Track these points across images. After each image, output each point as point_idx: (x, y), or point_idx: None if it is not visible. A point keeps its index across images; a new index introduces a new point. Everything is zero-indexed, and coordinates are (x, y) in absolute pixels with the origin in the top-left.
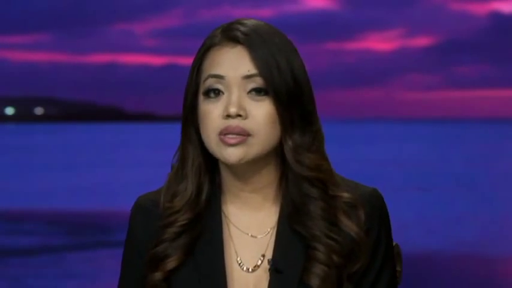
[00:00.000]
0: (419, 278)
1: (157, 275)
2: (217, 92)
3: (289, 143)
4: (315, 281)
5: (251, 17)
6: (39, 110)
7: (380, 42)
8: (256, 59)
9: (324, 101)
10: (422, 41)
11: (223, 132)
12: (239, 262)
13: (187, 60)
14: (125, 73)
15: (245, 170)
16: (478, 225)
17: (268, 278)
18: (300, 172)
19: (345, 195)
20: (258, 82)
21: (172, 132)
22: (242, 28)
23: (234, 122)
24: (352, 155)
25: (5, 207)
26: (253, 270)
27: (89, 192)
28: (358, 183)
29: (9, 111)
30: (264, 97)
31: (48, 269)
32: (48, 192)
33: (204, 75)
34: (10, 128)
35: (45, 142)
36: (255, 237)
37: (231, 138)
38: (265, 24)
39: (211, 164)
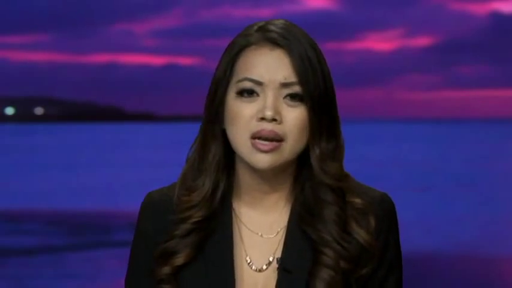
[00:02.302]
0: (419, 278)
1: (166, 269)
2: (251, 92)
3: (317, 150)
4: (320, 285)
5: (280, 18)
6: (39, 110)
7: (380, 42)
8: (295, 65)
9: None
10: (422, 41)
11: (256, 136)
12: (248, 261)
13: (187, 60)
14: (125, 73)
15: (267, 173)
16: (478, 225)
17: (276, 278)
18: (323, 180)
19: (357, 201)
20: (295, 89)
21: (172, 132)
22: (280, 30)
23: (269, 126)
24: (352, 155)
25: (5, 207)
26: (262, 270)
27: (89, 192)
28: (369, 187)
29: (9, 111)
30: (298, 103)
31: (48, 269)
32: (48, 192)
33: (239, 75)
34: (10, 128)
35: (45, 142)
36: (265, 237)
37: (265, 145)
38: (296, 26)
39: (229, 162)
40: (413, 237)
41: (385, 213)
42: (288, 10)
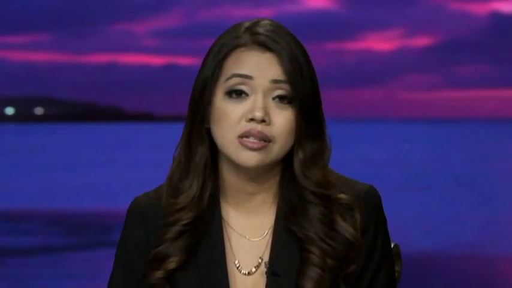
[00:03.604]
0: (419, 278)
1: (159, 274)
2: (240, 93)
3: (300, 155)
4: (309, 284)
5: (267, 18)
6: (39, 110)
7: (380, 42)
8: (285, 69)
9: (323, 101)
10: (422, 41)
11: (244, 135)
12: (237, 265)
13: (187, 60)
14: (124, 73)
15: (253, 173)
16: (478, 225)
17: (265, 281)
18: (306, 186)
19: (342, 196)
20: (285, 89)
21: (172, 132)
22: (268, 33)
23: (257, 127)
24: (352, 155)
25: (5, 207)
26: (251, 273)
27: (89, 192)
28: (354, 181)
29: (9, 111)
30: (287, 105)
31: (48, 269)
32: (48, 192)
33: (227, 73)
34: (10, 128)
35: (45, 142)
36: (252, 240)
37: (253, 143)
38: (283, 26)
39: (215, 163)
40: (413, 237)
41: (370, 206)
42: (288, 10)
